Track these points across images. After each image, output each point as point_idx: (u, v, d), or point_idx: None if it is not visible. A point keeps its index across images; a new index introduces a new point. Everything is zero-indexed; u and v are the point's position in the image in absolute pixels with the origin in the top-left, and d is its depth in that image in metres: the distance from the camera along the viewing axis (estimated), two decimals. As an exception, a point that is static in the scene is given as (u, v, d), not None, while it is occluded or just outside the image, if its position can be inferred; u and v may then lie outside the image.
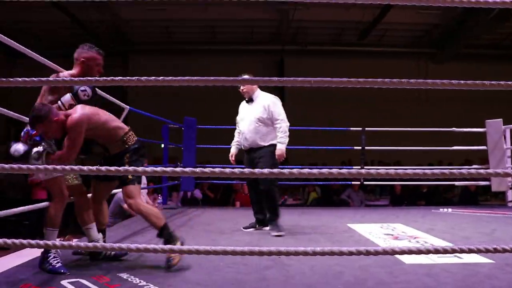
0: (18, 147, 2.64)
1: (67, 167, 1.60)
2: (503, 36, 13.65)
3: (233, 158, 4.59)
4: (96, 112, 2.91)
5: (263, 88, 4.47)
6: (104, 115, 2.96)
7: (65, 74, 3.06)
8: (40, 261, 2.72)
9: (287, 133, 4.31)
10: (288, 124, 4.34)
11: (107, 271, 2.70)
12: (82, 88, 2.90)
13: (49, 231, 2.77)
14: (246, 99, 4.51)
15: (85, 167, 1.62)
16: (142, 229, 4.30)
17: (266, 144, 4.30)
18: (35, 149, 2.66)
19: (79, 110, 2.77)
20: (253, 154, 4.35)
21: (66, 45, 13.58)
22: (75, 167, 1.71)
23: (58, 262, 2.68)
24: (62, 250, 2.74)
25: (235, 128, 4.70)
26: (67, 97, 2.90)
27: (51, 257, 2.68)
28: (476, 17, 11.80)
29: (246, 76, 4.05)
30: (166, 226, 2.86)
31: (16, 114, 3.27)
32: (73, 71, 3.02)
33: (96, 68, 3.02)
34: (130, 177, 2.88)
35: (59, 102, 2.90)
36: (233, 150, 4.60)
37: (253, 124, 4.35)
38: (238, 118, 4.61)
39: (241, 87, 4.42)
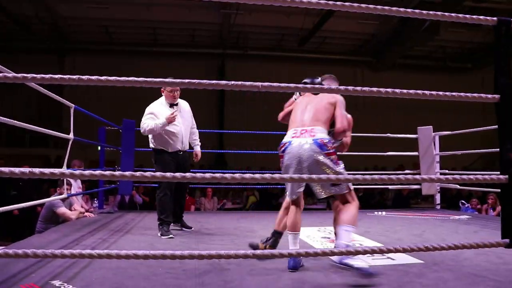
0: None
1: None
2: (434, 48, 14.39)
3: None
4: None
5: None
6: None
7: None
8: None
9: None
10: None
11: (38, 278, 2.55)
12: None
13: (350, 228, 3.18)
14: (173, 103, 4.45)
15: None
16: (79, 234, 4.14)
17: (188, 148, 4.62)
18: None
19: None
20: (181, 158, 4.48)
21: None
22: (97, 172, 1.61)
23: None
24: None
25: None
26: None
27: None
28: (410, 29, 12.37)
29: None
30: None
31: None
32: None
33: None
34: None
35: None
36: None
37: (188, 129, 4.59)
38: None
39: (178, 91, 4.42)
